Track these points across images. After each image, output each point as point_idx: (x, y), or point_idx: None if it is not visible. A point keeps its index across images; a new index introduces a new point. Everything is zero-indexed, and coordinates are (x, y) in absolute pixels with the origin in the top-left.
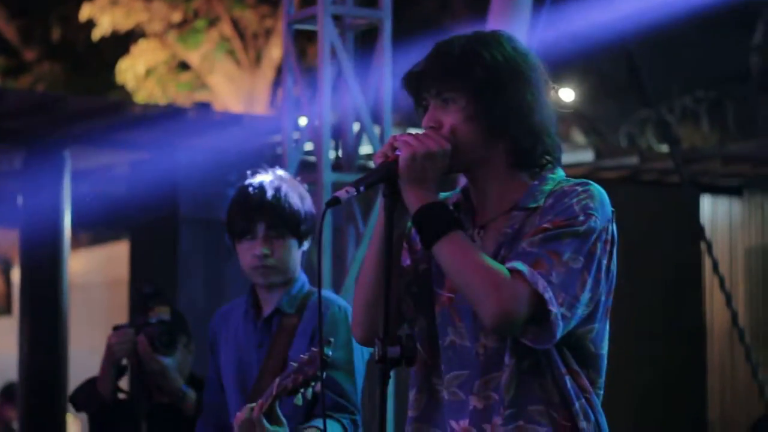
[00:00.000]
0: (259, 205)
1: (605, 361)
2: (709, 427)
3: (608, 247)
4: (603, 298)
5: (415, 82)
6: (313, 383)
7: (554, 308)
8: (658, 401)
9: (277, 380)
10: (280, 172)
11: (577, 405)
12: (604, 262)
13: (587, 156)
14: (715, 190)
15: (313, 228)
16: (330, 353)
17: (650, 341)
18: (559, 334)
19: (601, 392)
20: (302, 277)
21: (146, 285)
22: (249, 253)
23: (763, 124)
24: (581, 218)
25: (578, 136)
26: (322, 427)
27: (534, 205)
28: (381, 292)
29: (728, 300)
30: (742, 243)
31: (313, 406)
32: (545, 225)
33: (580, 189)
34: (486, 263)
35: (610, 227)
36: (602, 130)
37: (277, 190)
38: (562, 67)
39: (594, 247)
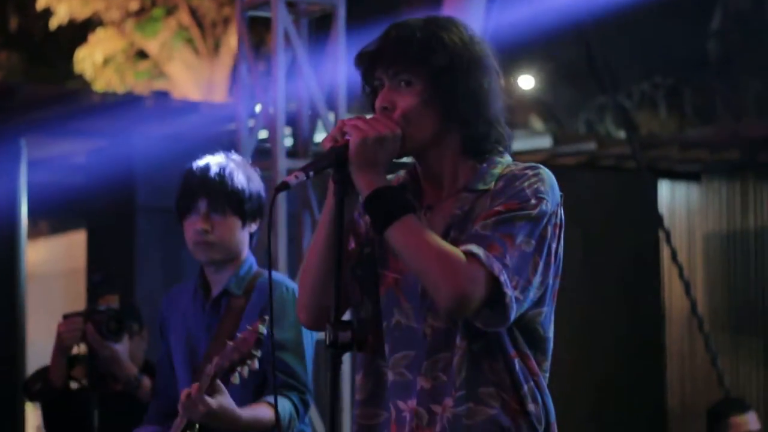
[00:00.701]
0: (201, 181)
1: (551, 345)
2: (668, 414)
3: (557, 231)
4: (551, 282)
5: (370, 62)
6: (248, 361)
7: (509, 291)
8: (617, 388)
9: (215, 359)
10: (232, 155)
11: (525, 387)
12: (554, 245)
13: (545, 142)
14: (673, 175)
15: (259, 209)
16: (262, 336)
17: (608, 327)
18: (512, 316)
19: (547, 375)
20: (250, 259)
21: (96, 273)
22: (191, 228)
23: (720, 110)
24: (533, 202)
25: (537, 123)
26: (272, 402)
27: (484, 187)
28: (328, 276)
29: (687, 288)
30: (701, 229)
31: (261, 387)
32: (498, 208)
33: (530, 173)
34: (441, 246)
35: (558, 211)
36: (561, 117)
37: (222, 168)
38: (522, 53)
39: (545, 230)
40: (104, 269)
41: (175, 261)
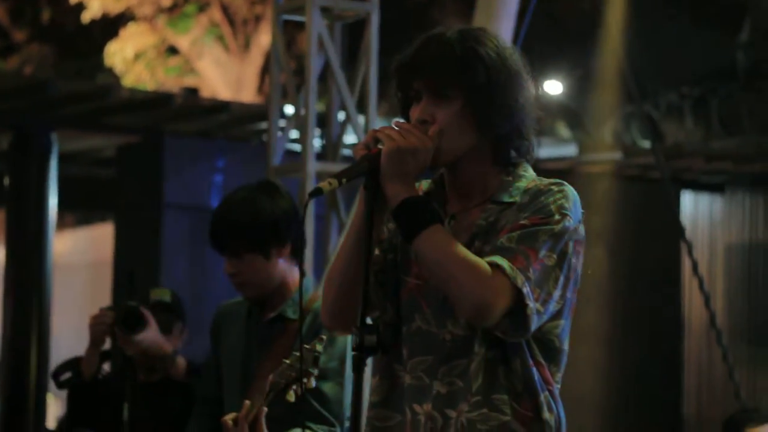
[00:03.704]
0: (220, 226)
1: (566, 358)
2: (684, 424)
3: (578, 247)
4: (570, 296)
5: (409, 75)
6: (304, 379)
7: (531, 303)
8: (634, 397)
9: (271, 377)
10: (258, 182)
11: (542, 396)
12: (574, 261)
13: (570, 150)
14: (698, 186)
15: (292, 229)
16: (319, 354)
17: (628, 336)
18: (533, 328)
19: (559, 386)
20: (305, 281)
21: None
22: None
23: (747, 122)
24: (557, 217)
25: (563, 130)
26: None
27: (509, 200)
28: (354, 281)
29: (707, 301)
30: (723, 240)
31: (298, 411)
32: (523, 222)
33: (555, 189)
34: (467, 257)
35: (580, 228)
36: (587, 124)
37: (230, 211)
38: (550, 59)
39: (566, 246)
40: (131, 265)
41: (201, 257)
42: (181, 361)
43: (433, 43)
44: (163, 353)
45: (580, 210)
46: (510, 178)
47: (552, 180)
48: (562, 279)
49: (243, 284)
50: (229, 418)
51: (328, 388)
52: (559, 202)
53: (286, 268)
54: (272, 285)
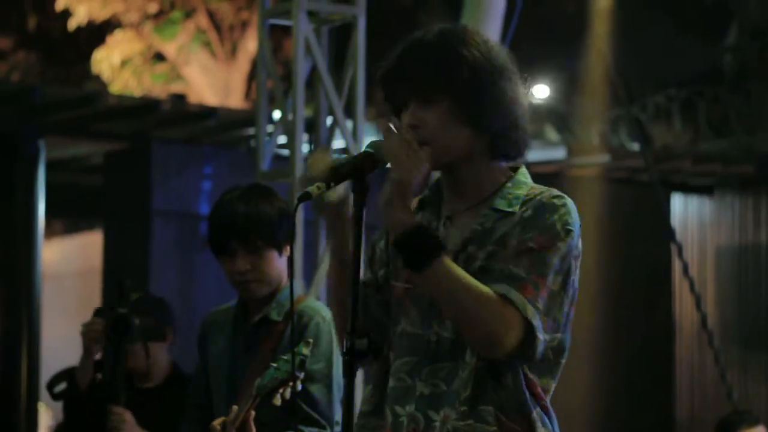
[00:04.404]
0: (231, 223)
1: (560, 370)
2: (677, 426)
3: (577, 263)
4: (566, 309)
5: (394, 81)
6: (291, 383)
7: (540, 335)
8: (626, 400)
9: (257, 381)
10: (254, 183)
11: (534, 413)
12: (574, 278)
13: (559, 153)
14: (687, 189)
15: (291, 231)
16: (305, 358)
17: (619, 338)
18: (539, 356)
19: (551, 395)
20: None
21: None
22: (230, 270)
23: (735, 124)
24: (562, 236)
25: (551, 133)
26: None
27: (508, 209)
28: (345, 290)
29: (698, 302)
30: (712, 242)
31: (288, 414)
32: (531, 245)
33: (558, 203)
34: (477, 289)
35: (579, 242)
36: (575, 127)
37: (248, 205)
38: (537, 62)
39: (570, 265)
40: (120, 273)
41: (190, 264)
42: None
43: (414, 49)
44: None
45: (578, 223)
46: (509, 184)
47: (553, 192)
48: (566, 301)
49: (256, 282)
50: (217, 423)
51: (316, 390)
52: (564, 218)
53: (285, 269)
54: (278, 284)
